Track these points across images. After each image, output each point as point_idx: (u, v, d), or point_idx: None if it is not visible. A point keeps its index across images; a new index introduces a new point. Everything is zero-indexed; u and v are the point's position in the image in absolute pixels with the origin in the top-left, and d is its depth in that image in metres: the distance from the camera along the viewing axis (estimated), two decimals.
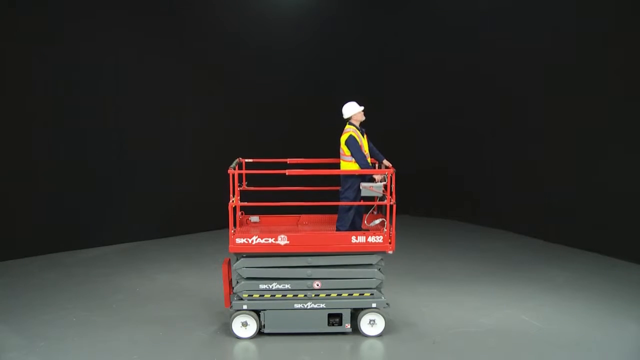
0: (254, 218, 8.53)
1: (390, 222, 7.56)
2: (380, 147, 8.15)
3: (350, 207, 7.88)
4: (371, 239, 7.55)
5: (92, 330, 7.91)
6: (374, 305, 7.66)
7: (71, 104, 11.25)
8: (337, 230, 7.91)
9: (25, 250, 10.91)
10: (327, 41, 13.60)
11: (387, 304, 7.71)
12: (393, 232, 7.58)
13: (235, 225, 7.67)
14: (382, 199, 7.78)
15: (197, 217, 12.67)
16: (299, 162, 8.65)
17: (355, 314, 7.79)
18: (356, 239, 7.55)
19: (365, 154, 7.80)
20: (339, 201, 7.92)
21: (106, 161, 11.70)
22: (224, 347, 7.49)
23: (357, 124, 7.94)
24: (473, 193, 13.49)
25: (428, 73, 13.69)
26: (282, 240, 7.51)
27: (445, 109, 13.64)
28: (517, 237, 12.36)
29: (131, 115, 11.88)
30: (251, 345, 7.54)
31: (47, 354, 7.24)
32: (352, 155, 7.73)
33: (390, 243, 7.59)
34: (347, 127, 7.90)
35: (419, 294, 9.22)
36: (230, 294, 7.83)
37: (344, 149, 7.82)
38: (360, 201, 7.85)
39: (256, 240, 7.52)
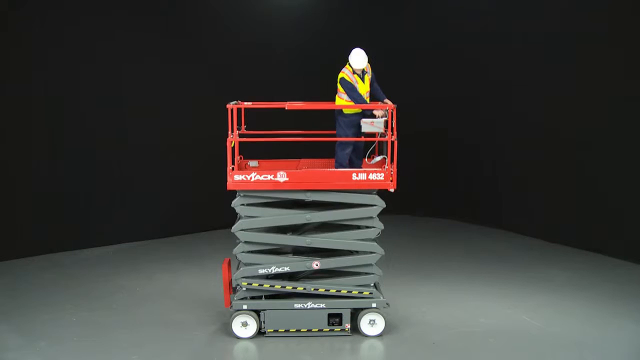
0: (253, 162, 8.28)
1: (392, 160, 7.45)
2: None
3: (346, 146, 7.82)
4: (372, 177, 7.40)
5: (92, 330, 7.91)
6: (374, 305, 7.65)
7: (71, 104, 11.24)
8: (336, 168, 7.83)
9: (25, 250, 10.90)
10: (327, 40, 13.58)
11: (387, 303, 7.71)
12: (394, 170, 7.45)
13: (233, 162, 7.47)
14: (382, 135, 7.68)
15: (197, 217, 12.66)
16: (297, 103, 8.51)
17: (355, 314, 7.78)
18: (357, 176, 7.40)
19: (360, 94, 7.75)
20: (336, 143, 7.84)
21: (106, 161, 11.68)
22: (224, 347, 7.50)
23: (354, 69, 7.86)
24: (473, 193, 13.47)
25: (428, 73, 13.66)
26: (282, 177, 7.33)
27: (445, 109, 13.61)
28: (517, 237, 12.34)
29: (131, 115, 11.86)
30: (251, 345, 7.54)
31: (47, 354, 7.24)
32: (348, 96, 7.71)
33: (391, 181, 7.45)
34: (345, 67, 7.88)
35: (419, 294, 9.21)
36: (230, 294, 7.82)
37: (338, 85, 7.85)
38: (361, 137, 7.77)
39: (255, 177, 7.34)
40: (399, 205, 13.18)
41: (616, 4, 10.67)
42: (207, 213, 12.44)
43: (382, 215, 7.62)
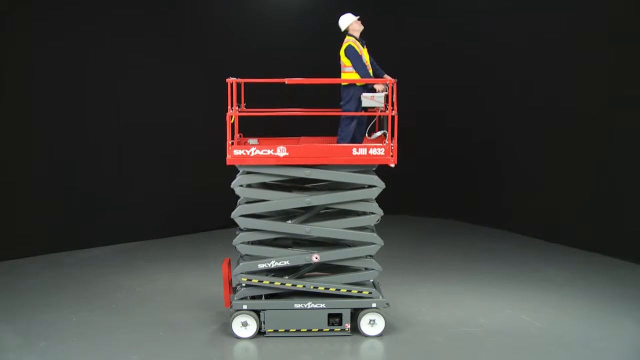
0: (253, 140, 8.17)
1: (392, 135, 7.42)
2: None
3: (352, 120, 7.76)
4: (372, 152, 7.36)
5: (92, 330, 7.91)
6: (374, 305, 7.64)
7: (70, 104, 11.25)
8: (338, 143, 7.79)
9: (25, 250, 10.90)
10: (326, 40, 13.56)
11: (387, 303, 7.70)
12: (395, 145, 7.42)
13: (233, 138, 7.42)
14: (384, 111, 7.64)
15: (197, 217, 12.66)
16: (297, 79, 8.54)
17: (355, 314, 7.77)
18: (357, 151, 7.36)
19: (365, 64, 7.71)
20: (341, 119, 7.79)
21: (106, 160, 11.69)
22: (224, 347, 7.50)
23: (357, 35, 7.85)
24: (473, 193, 13.48)
25: (428, 73, 13.66)
26: (282, 151, 7.29)
27: (445, 109, 13.63)
28: (517, 237, 12.35)
29: (131, 115, 11.88)
30: (251, 345, 7.54)
31: (47, 354, 7.24)
32: (353, 65, 7.64)
33: (392, 156, 7.42)
34: (347, 37, 7.83)
35: (419, 294, 9.21)
36: (230, 293, 7.82)
37: (343, 60, 7.77)
38: (362, 112, 7.72)
39: (255, 151, 7.30)
40: (399, 205, 13.26)
41: (616, 4, 10.69)
42: (207, 213, 12.44)
43: (382, 215, 7.63)
